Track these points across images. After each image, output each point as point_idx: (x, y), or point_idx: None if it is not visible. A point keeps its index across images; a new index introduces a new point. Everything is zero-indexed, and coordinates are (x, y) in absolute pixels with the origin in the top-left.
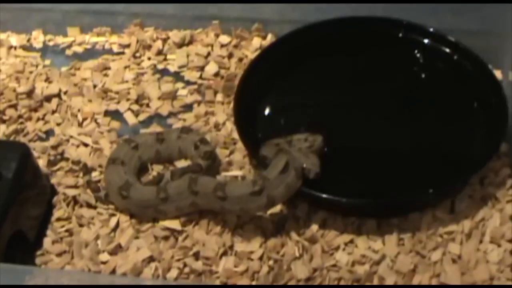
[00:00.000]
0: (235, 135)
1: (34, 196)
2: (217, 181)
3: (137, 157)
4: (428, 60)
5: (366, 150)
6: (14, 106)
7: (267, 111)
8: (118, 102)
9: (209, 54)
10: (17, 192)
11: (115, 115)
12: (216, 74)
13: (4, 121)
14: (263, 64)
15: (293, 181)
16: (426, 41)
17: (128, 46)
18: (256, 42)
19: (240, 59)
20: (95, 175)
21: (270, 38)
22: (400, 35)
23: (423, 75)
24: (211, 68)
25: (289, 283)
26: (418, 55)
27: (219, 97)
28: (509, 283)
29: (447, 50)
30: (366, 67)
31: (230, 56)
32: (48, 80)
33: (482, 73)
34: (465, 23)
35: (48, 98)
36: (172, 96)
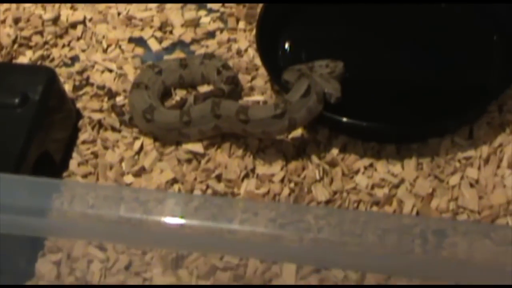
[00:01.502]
0: (257, 61)
1: (60, 120)
2: (239, 104)
3: (161, 82)
4: None
5: (386, 78)
6: (40, 33)
7: (287, 42)
8: (142, 29)
9: None
10: (43, 115)
11: (139, 41)
12: (239, 2)
13: (30, 47)
14: None
15: (315, 104)
16: None
17: None
18: None
19: None
20: (119, 99)
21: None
22: None
23: (443, 5)
24: None
25: (310, 205)
26: None
27: (241, 24)
28: None
29: None
30: (386, 2)
31: None
32: (73, 7)
33: (502, 4)
34: None
35: (73, 25)
36: (195, 23)
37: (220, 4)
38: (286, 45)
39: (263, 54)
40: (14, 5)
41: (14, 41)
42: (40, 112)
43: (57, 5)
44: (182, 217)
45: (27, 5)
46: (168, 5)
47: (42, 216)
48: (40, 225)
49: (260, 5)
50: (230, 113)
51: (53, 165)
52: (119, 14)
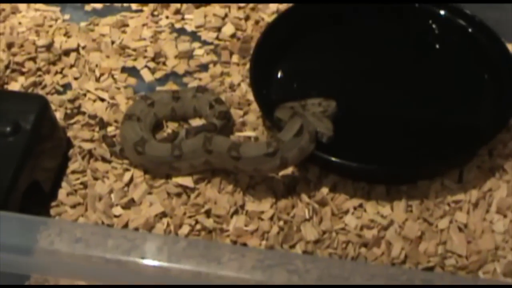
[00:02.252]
0: (250, 96)
1: (50, 148)
2: (231, 141)
3: (153, 114)
4: (442, 32)
5: (377, 117)
6: (33, 59)
7: (280, 74)
8: (135, 59)
9: (226, 15)
10: (34, 144)
11: (132, 71)
12: (233, 36)
13: (23, 73)
14: (280, 28)
15: (307, 144)
16: (442, 12)
17: (146, 4)
18: (273, 5)
19: (257, 22)
20: (110, 130)
21: (286, 2)
22: (417, 5)
23: (437, 46)
24: (228, 29)
25: (298, 244)
26: (433, 26)
27: (235, 58)
28: None
29: (462, 22)
30: (381, 36)
31: (247, 18)
32: (67, 34)
33: (495, 46)
34: None
35: (66, 52)
36: (188, 55)
37: (214, 37)
38: (279, 76)
39: (256, 90)
40: (8, 30)
41: (6, 67)
42: (32, 141)
43: (51, 31)
44: (168, 259)
45: (21, 30)
46: (162, 35)
47: (28, 254)
48: (26, 263)
49: (254, 39)
50: (222, 150)
51: (42, 194)
52: (112, 42)
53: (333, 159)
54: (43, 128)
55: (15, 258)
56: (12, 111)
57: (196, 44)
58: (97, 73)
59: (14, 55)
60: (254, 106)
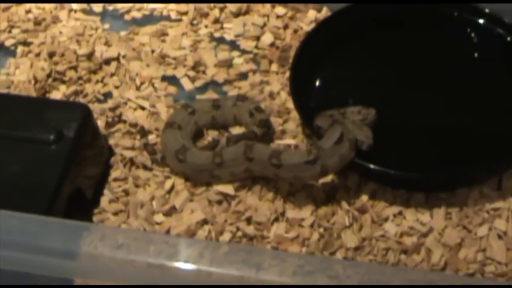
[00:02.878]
0: (289, 104)
1: (92, 156)
2: (272, 148)
3: (194, 122)
4: (481, 40)
5: (416, 125)
6: (75, 68)
7: (319, 83)
8: (175, 68)
9: (265, 24)
10: (77, 152)
11: (172, 80)
12: (272, 45)
13: (64, 82)
14: (319, 37)
15: (347, 152)
16: (480, 21)
17: (185, 13)
18: (311, 14)
19: (295, 31)
20: (151, 138)
21: (325, 11)
22: (456, 14)
23: (475, 55)
24: (267, 38)
25: (338, 251)
26: (472, 34)
27: (274, 67)
28: None
29: (501, 31)
30: (419, 45)
31: (285, 27)
32: (107, 43)
33: None
34: None
35: (107, 61)
36: (228, 64)
37: (253, 46)
38: (317, 84)
39: (295, 98)
40: (49, 39)
41: (48, 75)
42: (75, 149)
43: (91, 40)
44: (209, 264)
45: (62, 39)
46: (202, 45)
47: (71, 258)
48: (70, 268)
49: (293, 48)
50: (263, 157)
51: (84, 201)
52: (152, 51)
53: (373, 166)
54: (85, 136)
55: (59, 262)
56: (56, 119)
57: (235, 53)
58: (138, 82)
59: (56, 64)
60: (294, 114)
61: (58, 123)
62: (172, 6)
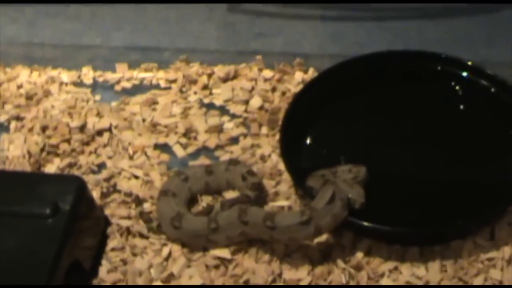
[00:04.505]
0: (281, 166)
1: (89, 227)
2: (266, 211)
3: (187, 189)
4: (466, 93)
5: (407, 180)
6: (68, 141)
7: (309, 141)
8: (167, 136)
9: (253, 88)
10: (74, 224)
11: (164, 148)
12: (261, 108)
13: (58, 155)
14: (307, 97)
15: (340, 211)
16: (464, 74)
17: (174, 81)
18: (298, 76)
19: (283, 93)
20: (146, 206)
21: (311, 72)
22: (439, 68)
23: (461, 106)
24: (256, 101)
25: None
26: (456, 87)
27: (264, 129)
28: None
29: (485, 82)
30: (404, 100)
31: (273, 90)
32: (99, 114)
33: None
34: (498, 55)
35: (99, 132)
36: (218, 129)
37: (242, 110)
38: (308, 143)
39: (286, 160)
40: (41, 113)
41: (42, 149)
42: (71, 222)
43: (83, 112)
44: None
45: (54, 112)
46: (192, 111)
47: None
48: None
49: (282, 110)
50: (257, 220)
51: (83, 273)
52: (144, 120)
53: (366, 224)
54: (81, 208)
55: None
56: (51, 193)
57: (225, 118)
58: (131, 151)
59: (49, 137)
60: (286, 176)
61: (54, 196)
62: (161, 74)
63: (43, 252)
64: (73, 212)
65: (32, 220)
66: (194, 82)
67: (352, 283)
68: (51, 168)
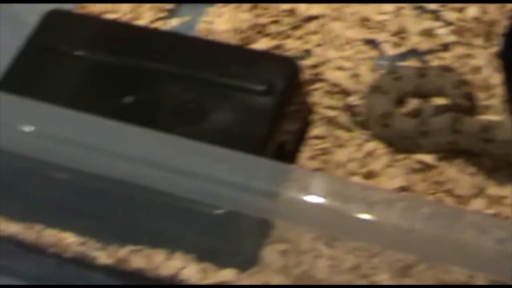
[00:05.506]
0: (492, 80)
1: (295, 112)
2: (483, 123)
3: (398, 88)
4: None
5: None
6: (277, 22)
7: None
8: (377, 32)
9: None
10: (285, 106)
11: (373, 44)
12: (476, 18)
13: (266, 35)
14: None
15: None
16: None
17: None
18: None
19: (503, 5)
20: (352, 99)
21: None
22: None
23: None
24: (472, 11)
25: None
26: None
27: (479, 40)
28: None
29: None
30: None
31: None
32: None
33: None
34: None
35: (309, 19)
36: (431, 33)
37: (458, 17)
38: None
39: (507, 74)
40: None
41: (249, 27)
42: (283, 103)
43: None
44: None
45: None
46: (405, 11)
47: (274, 199)
48: (272, 208)
49: (498, 24)
50: (472, 130)
51: (284, 156)
52: (354, 14)
53: None
54: (292, 91)
55: (264, 202)
56: (266, 71)
57: (439, 23)
58: (339, 42)
59: (258, 16)
60: (498, 90)
61: (269, 74)
62: None
63: (255, 129)
64: (287, 94)
65: (247, 95)
66: None
67: None
68: (257, 47)
